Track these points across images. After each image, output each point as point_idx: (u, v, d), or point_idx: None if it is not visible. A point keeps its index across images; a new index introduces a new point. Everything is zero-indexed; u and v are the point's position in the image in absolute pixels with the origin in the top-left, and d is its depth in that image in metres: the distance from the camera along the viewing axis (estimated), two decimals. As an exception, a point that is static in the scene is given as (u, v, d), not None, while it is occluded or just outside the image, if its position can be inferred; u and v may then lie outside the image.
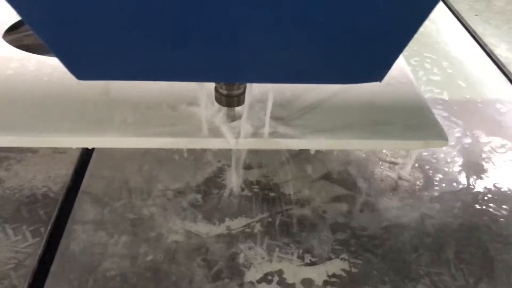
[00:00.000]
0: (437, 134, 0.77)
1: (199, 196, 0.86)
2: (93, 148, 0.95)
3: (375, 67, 0.51)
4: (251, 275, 0.74)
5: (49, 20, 0.42)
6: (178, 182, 0.89)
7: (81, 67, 0.49)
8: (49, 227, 0.80)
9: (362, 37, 0.45)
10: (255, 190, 0.88)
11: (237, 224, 0.82)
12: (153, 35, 0.45)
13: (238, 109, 0.72)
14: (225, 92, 0.66)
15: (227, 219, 0.83)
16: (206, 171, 0.91)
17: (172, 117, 0.74)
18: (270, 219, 0.83)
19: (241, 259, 0.76)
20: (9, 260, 0.74)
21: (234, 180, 0.85)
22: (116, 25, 0.43)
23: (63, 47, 0.46)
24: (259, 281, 0.73)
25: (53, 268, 0.73)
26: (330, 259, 0.77)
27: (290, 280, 0.73)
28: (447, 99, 1.15)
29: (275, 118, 0.74)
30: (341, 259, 0.77)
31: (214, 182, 0.89)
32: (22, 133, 0.72)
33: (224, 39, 0.44)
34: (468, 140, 1.02)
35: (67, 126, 0.72)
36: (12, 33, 1.04)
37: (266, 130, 0.72)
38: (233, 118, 0.72)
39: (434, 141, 0.77)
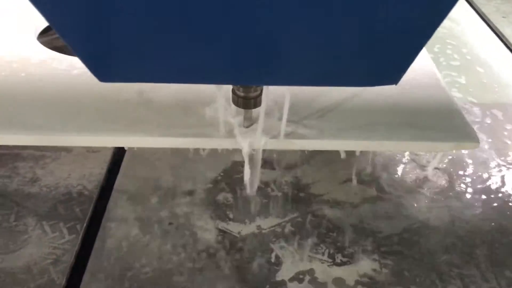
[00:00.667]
0: (469, 135, 0.77)
1: (229, 196, 0.88)
2: (124, 148, 0.97)
3: (391, 71, 0.51)
4: (283, 274, 0.75)
5: (72, 23, 0.44)
6: (208, 181, 0.91)
7: (102, 69, 0.51)
8: (84, 224, 0.82)
9: (378, 42, 0.46)
10: (285, 190, 0.89)
11: (268, 223, 0.83)
12: (174, 39, 0.46)
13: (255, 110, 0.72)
14: (242, 94, 0.66)
15: (257, 218, 0.84)
16: (236, 171, 0.92)
17: (193, 119, 0.75)
18: (300, 219, 0.84)
19: (272, 258, 0.77)
20: (47, 256, 0.77)
21: (248, 179, 0.85)
22: (138, 29, 0.44)
23: (85, 50, 0.48)
24: (291, 280, 0.74)
25: (90, 263, 0.75)
26: (360, 259, 0.77)
27: (321, 279, 0.74)
28: (475, 102, 1.15)
29: (303, 118, 0.75)
30: (372, 259, 0.77)
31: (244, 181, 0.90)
32: (58, 132, 0.73)
33: (247, 42, 0.45)
34: (498, 143, 1.01)
35: (99, 126, 0.73)
36: (46, 35, 1.07)
37: (282, 131, 0.71)
38: (249, 119, 0.72)
39: (466, 143, 0.77)
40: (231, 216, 0.84)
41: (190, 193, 0.88)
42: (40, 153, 0.96)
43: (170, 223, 0.82)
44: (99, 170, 0.93)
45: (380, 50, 0.47)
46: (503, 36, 1.41)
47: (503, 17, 1.53)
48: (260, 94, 0.66)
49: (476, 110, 1.13)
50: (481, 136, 1.03)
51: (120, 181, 0.90)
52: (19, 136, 0.71)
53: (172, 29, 0.44)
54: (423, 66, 0.91)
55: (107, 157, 0.95)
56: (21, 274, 0.74)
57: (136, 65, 0.51)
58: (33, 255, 0.77)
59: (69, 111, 0.75)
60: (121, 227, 0.81)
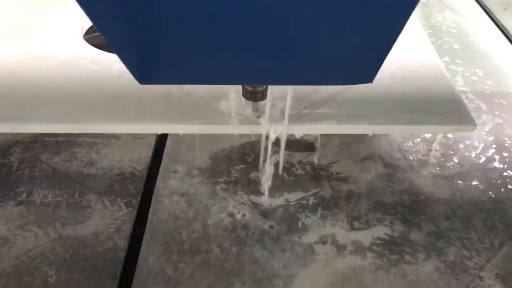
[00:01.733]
0: (467, 119, 0.90)
1: (261, 174, 1.02)
2: (167, 134, 1.11)
3: (365, 71, 0.59)
4: (309, 237, 0.89)
5: (119, 34, 0.50)
6: (241, 162, 1.04)
7: (143, 73, 0.58)
8: (138, 199, 0.96)
9: (353, 49, 0.54)
10: (307, 169, 1.03)
11: (294, 197, 0.97)
12: (209, 47, 0.53)
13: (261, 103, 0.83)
14: (250, 89, 0.75)
15: (285, 193, 0.98)
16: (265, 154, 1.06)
17: (213, 109, 0.87)
18: (322, 193, 0.97)
19: (299, 225, 0.91)
20: (110, 225, 0.91)
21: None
22: (178, 41, 0.52)
23: (130, 58, 0.55)
24: (316, 242, 0.88)
25: (147, 231, 0.90)
26: (374, 225, 0.91)
27: (341, 241, 0.88)
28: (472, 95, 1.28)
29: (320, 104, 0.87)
30: (384, 225, 0.91)
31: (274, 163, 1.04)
32: (110, 121, 0.85)
33: (258, 56, 0.55)
34: (495, 126, 1.14)
35: (144, 115, 0.85)
36: (92, 33, 1.19)
37: (286, 118, 0.81)
38: (257, 111, 0.82)
39: (464, 126, 0.90)
40: (262, 191, 0.98)
41: (227, 172, 1.02)
42: (93, 140, 1.10)
43: (211, 198, 0.96)
44: (146, 154, 1.07)
45: (355, 55, 0.57)
46: (504, 27, 1.53)
47: (504, 9, 1.64)
48: (266, 89, 0.76)
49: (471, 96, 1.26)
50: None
51: (165, 163, 1.04)
52: (87, 125, 0.84)
53: (208, 39, 0.51)
54: (427, 57, 1.03)
55: (152, 142, 1.10)
56: (90, 240, 0.89)
57: (172, 70, 0.60)
58: (98, 225, 0.91)
59: (119, 104, 0.86)
60: (169, 201, 0.95)
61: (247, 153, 1.07)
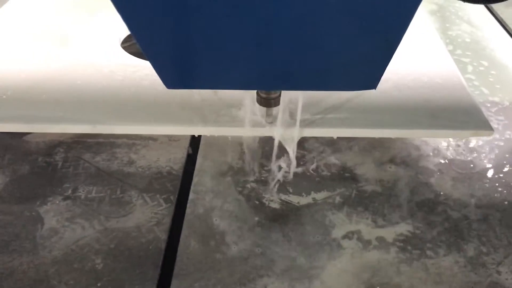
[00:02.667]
0: (484, 125, 0.96)
1: (288, 175, 1.08)
2: (200, 137, 1.18)
3: (369, 77, 0.63)
4: (336, 233, 0.95)
5: (152, 37, 0.54)
6: (270, 163, 1.11)
7: (171, 78, 0.63)
8: (176, 196, 1.04)
9: (357, 58, 0.59)
10: (333, 171, 1.10)
11: (320, 196, 1.03)
12: (230, 54, 0.58)
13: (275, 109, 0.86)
14: (264, 95, 0.79)
15: (312, 192, 1.04)
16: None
17: (231, 113, 0.94)
18: (347, 193, 1.04)
19: (326, 221, 0.98)
20: (151, 219, 0.99)
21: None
22: (206, 48, 0.56)
23: (160, 61, 0.60)
24: (342, 237, 0.94)
25: (185, 224, 0.97)
26: (397, 223, 0.97)
27: (366, 237, 0.94)
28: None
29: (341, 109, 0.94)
30: (406, 223, 0.97)
31: (301, 164, 1.11)
32: (149, 124, 0.92)
33: (273, 63, 0.60)
34: None
35: (179, 118, 0.92)
36: (129, 41, 1.26)
37: (298, 122, 0.86)
38: (271, 116, 0.87)
39: (482, 131, 0.96)
40: (291, 190, 1.05)
41: (256, 171, 1.09)
42: (131, 141, 1.18)
43: (243, 195, 1.03)
44: (181, 154, 1.14)
45: (359, 62, 0.61)
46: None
47: (519, 22, 1.70)
48: (279, 96, 0.81)
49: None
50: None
51: (199, 163, 1.11)
52: (127, 127, 0.92)
53: (229, 48, 0.56)
54: (445, 66, 1.10)
55: (186, 144, 1.17)
56: (133, 232, 0.96)
57: (198, 76, 0.65)
58: (140, 219, 0.99)
59: (155, 108, 0.93)
60: (204, 197, 1.03)
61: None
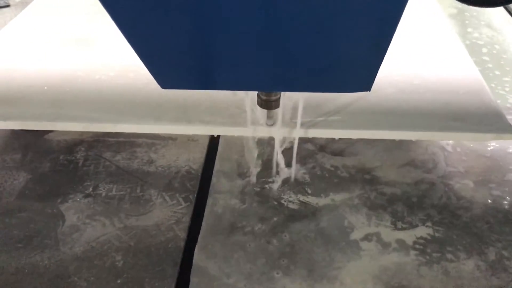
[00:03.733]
0: (507, 128, 0.95)
1: (306, 176, 1.08)
2: (218, 137, 1.19)
3: (362, 79, 0.64)
4: (355, 235, 0.95)
5: (142, 38, 0.54)
6: (288, 164, 1.11)
7: (165, 78, 0.64)
8: (195, 195, 1.04)
9: (349, 60, 0.60)
10: (352, 172, 1.09)
11: (339, 197, 1.03)
12: (224, 56, 0.58)
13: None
14: (264, 97, 0.80)
15: (331, 193, 1.04)
16: (309, 157, 1.13)
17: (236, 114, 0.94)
18: (366, 195, 1.04)
19: (345, 223, 0.97)
20: (170, 218, 0.99)
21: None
22: (199, 47, 0.56)
23: (153, 62, 0.60)
24: (362, 239, 0.94)
25: (204, 224, 0.97)
26: (417, 226, 0.97)
27: (386, 240, 0.94)
28: (514, 102, 1.32)
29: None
30: (426, 226, 0.96)
31: (319, 165, 1.11)
32: (169, 123, 0.93)
33: (269, 64, 0.60)
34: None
35: (197, 119, 0.93)
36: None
37: (299, 122, 0.88)
38: (271, 118, 0.88)
39: (504, 134, 0.95)
40: (309, 191, 1.05)
41: (274, 173, 1.09)
42: (151, 141, 1.19)
43: (261, 195, 1.03)
44: (200, 154, 1.15)
45: (350, 63, 0.61)
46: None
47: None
48: (279, 98, 0.81)
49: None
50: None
51: (218, 163, 1.12)
52: (153, 126, 0.93)
53: (224, 48, 0.56)
54: (468, 71, 1.09)
55: (205, 144, 1.18)
56: (153, 230, 0.97)
57: (191, 76, 0.65)
58: (159, 217, 0.99)
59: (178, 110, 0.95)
60: (223, 197, 1.03)
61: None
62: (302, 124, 0.90)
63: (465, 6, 1.79)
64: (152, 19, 0.52)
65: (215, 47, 0.57)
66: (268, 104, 0.81)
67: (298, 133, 0.91)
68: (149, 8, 0.50)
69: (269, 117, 0.88)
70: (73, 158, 1.15)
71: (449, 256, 0.90)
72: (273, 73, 0.63)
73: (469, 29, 1.70)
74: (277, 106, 0.82)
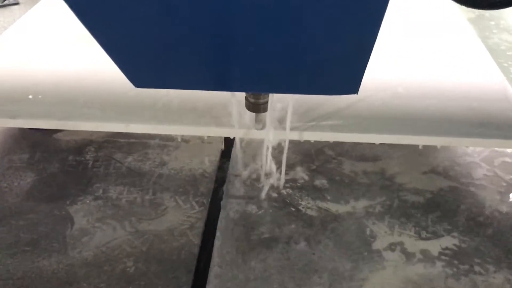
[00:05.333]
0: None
1: (325, 181, 1.04)
2: (233, 141, 1.15)
3: (347, 82, 0.62)
4: (377, 244, 0.90)
5: (112, 40, 0.53)
6: (306, 169, 1.07)
7: (137, 77, 0.61)
8: (209, 199, 1.00)
9: (329, 60, 0.57)
10: (372, 178, 1.05)
11: (360, 204, 0.99)
12: (198, 54, 0.56)
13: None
14: (252, 100, 0.78)
15: (351, 200, 1.00)
16: (329, 162, 1.09)
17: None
18: (388, 202, 0.99)
19: (367, 232, 0.93)
20: (184, 223, 0.95)
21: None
22: (171, 43, 0.54)
23: (123, 62, 0.57)
24: (385, 249, 0.90)
25: (219, 230, 0.93)
26: (442, 236, 0.92)
27: (410, 250, 0.89)
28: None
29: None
30: (452, 236, 0.92)
31: (337, 171, 1.06)
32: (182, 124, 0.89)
33: (249, 64, 0.58)
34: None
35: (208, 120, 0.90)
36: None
37: (288, 125, 0.85)
38: (260, 122, 0.85)
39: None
40: (328, 197, 1.01)
41: (293, 179, 1.05)
42: (163, 143, 1.15)
43: (278, 201, 0.99)
44: (214, 157, 1.11)
45: (334, 66, 0.59)
46: None
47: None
48: (267, 101, 0.79)
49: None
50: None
51: (232, 166, 1.08)
52: (166, 127, 0.89)
53: (194, 47, 0.54)
54: (493, 76, 1.05)
55: (219, 147, 1.14)
56: (165, 235, 0.92)
57: (164, 75, 0.63)
58: (172, 222, 0.95)
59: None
60: (238, 202, 0.99)
61: (311, 161, 1.10)
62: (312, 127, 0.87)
63: (484, 11, 1.75)
64: (118, 16, 0.49)
65: (186, 45, 0.54)
66: (256, 107, 0.79)
67: (291, 135, 0.87)
68: (115, 5, 0.47)
69: (257, 120, 0.85)
70: (83, 158, 1.11)
71: (477, 268, 0.86)
72: (250, 73, 0.61)
73: (487, 33, 1.66)
74: (266, 109, 0.80)
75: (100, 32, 0.52)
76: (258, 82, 0.64)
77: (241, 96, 0.81)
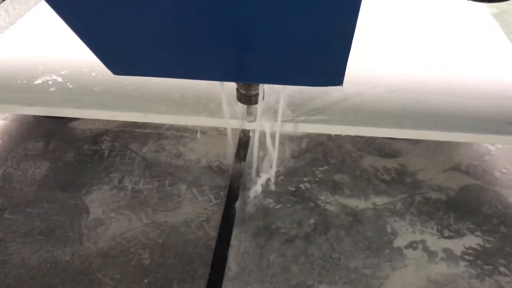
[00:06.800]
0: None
1: (345, 176, 1.02)
2: (249, 131, 1.13)
3: (330, 73, 0.61)
4: (399, 242, 0.88)
5: (88, 28, 0.52)
6: (325, 164, 1.05)
7: (115, 65, 0.61)
8: (226, 192, 0.98)
9: (309, 49, 0.56)
10: (393, 175, 1.03)
11: (380, 201, 0.97)
12: (175, 41, 0.55)
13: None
14: (243, 92, 0.77)
15: (371, 196, 0.98)
16: (350, 158, 1.07)
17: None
18: (409, 199, 0.97)
19: (388, 229, 0.91)
20: (201, 215, 0.93)
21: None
22: (145, 31, 0.53)
23: (100, 49, 0.57)
24: (406, 247, 0.87)
25: (236, 222, 0.91)
26: (465, 234, 0.90)
27: (432, 248, 0.87)
28: None
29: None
30: (475, 235, 0.89)
31: (356, 166, 1.04)
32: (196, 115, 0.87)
33: (232, 53, 0.57)
34: None
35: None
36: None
37: (279, 117, 0.82)
38: (252, 115, 0.83)
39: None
40: (348, 193, 0.98)
41: (311, 173, 1.02)
42: (179, 133, 1.13)
43: (296, 195, 0.97)
44: (230, 149, 1.09)
45: (314, 58, 0.58)
46: None
47: None
48: (258, 93, 0.77)
49: None
50: None
51: (249, 159, 1.06)
52: (185, 117, 0.87)
53: (173, 33, 0.53)
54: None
55: (236, 139, 1.12)
56: (182, 227, 0.91)
57: (141, 62, 0.62)
58: (189, 214, 0.94)
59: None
60: (255, 196, 0.97)
61: (330, 155, 1.07)
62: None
63: (509, 7, 1.71)
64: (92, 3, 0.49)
65: (162, 32, 0.53)
66: (248, 99, 0.78)
67: (287, 127, 0.85)
68: None
69: (249, 113, 0.83)
70: (98, 148, 1.10)
71: (502, 269, 0.83)
72: (231, 61, 0.60)
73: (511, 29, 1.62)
74: (257, 101, 0.79)
75: (72, 18, 0.51)
76: (238, 71, 0.64)
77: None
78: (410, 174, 1.03)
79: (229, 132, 1.03)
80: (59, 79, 0.94)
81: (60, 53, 1.03)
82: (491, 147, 1.10)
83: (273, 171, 0.98)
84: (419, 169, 1.04)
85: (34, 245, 0.87)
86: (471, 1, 0.79)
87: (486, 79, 0.98)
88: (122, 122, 1.16)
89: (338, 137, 1.09)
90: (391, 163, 1.05)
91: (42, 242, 0.88)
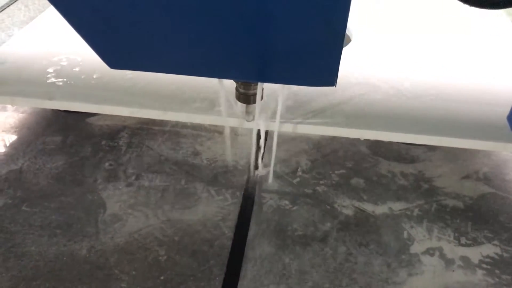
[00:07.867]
0: None
1: (362, 181, 1.02)
2: (266, 132, 1.13)
3: (323, 72, 0.61)
4: (415, 248, 0.88)
5: (86, 22, 0.53)
6: (341, 167, 1.05)
7: (111, 59, 0.62)
8: (243, 192, 0.98)
9: (306, 56, 0.57)
10: (410, 180, 1.02)
11: (397, 206, 0.96)
12: (170, 36, 0.55)
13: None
14: (242, 91, 0.77)
15: (388, 201, 0.97)
16: (366, 161, 1.06)
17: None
18: (426, 206, 0.96)
19: (405, 235, 0.90)
20: (217, 214, 0.94)
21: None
22: (142, 25, 0.54)
23: (97, 43, 0.58)
24: (423, 253, 0.87)
25: (252, 223, 0.91)
26: (482, 243, 0.89)
27: (449, 255, 0.86)
28: None
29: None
30: (493, 244, 0.89)
31: (374, 171, 1.04)
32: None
33: (228, 50, 0.57)
34: None
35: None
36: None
37: (278, 116, 0.82)
38: (251, 114, 0.83)
39: None
40: (364, 197, 0.98)
41: (327, 175, 1.02)
42: (196, 132, 1.14)
43: (312, 198, 0.97)
44: (247, 149, 1.09)
45: (306, 57, 0.58)
46: None
47: None
48: (256, 93, 0.78)
49: None
50: None
51: (266, 160, 1.06)
52: (203, 116, 0.87)
53: (171, 28, 0.54)
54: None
55: (252, 140, 1.11)
56: (198, 226, 0.91)
57: (138, 57, 0.62)
58: (205, 213, 0.94)
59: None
60: (272, 197, 0.97)
61: (347, 159, 1.07)
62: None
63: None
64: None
65: (158, 28, 0.54)
66: (246, 98, 0.78)
67: (286, 127, 0.85)
68: None
69: (247, 112, 0.83)
70: (116, 144, 1.10)
71: (520, 279, 0.83)
72: (223, 58, 0.60)
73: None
74: (255, 101, 0.79)
75: (67, 9, 0.52)
76: (232, 68, 0.64)
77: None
78: (427, 180, 1.02)
79: (226, 131, 1.02)
80: (80, 74, 0.95)
81: (81, 48, 1.04)
82: (509, 156, 1.09)
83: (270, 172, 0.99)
84: (436, 175, 1.03)
85: (51, 238, 0.88)
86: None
87: (501, 85, 0.97)
88: (140, 119, 1.16)
89: (357, 140, 1.09)
90: (408, 169, 1.05)
91: (59, 236, 0.88)
